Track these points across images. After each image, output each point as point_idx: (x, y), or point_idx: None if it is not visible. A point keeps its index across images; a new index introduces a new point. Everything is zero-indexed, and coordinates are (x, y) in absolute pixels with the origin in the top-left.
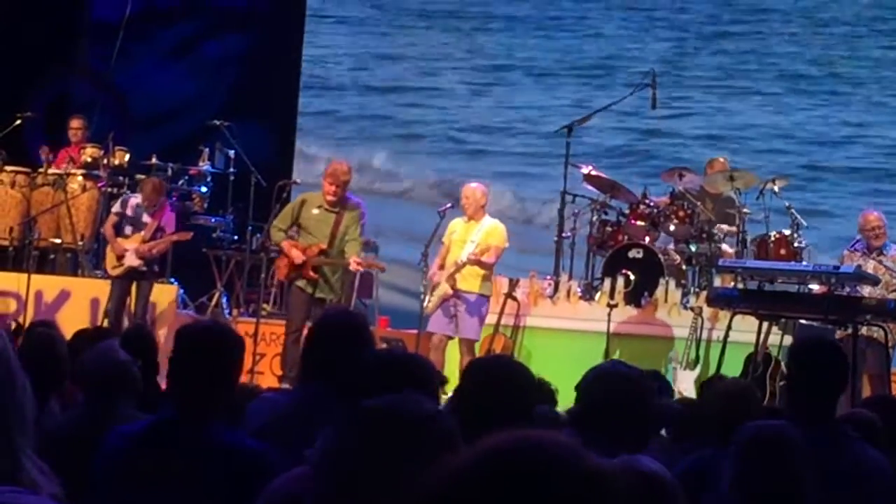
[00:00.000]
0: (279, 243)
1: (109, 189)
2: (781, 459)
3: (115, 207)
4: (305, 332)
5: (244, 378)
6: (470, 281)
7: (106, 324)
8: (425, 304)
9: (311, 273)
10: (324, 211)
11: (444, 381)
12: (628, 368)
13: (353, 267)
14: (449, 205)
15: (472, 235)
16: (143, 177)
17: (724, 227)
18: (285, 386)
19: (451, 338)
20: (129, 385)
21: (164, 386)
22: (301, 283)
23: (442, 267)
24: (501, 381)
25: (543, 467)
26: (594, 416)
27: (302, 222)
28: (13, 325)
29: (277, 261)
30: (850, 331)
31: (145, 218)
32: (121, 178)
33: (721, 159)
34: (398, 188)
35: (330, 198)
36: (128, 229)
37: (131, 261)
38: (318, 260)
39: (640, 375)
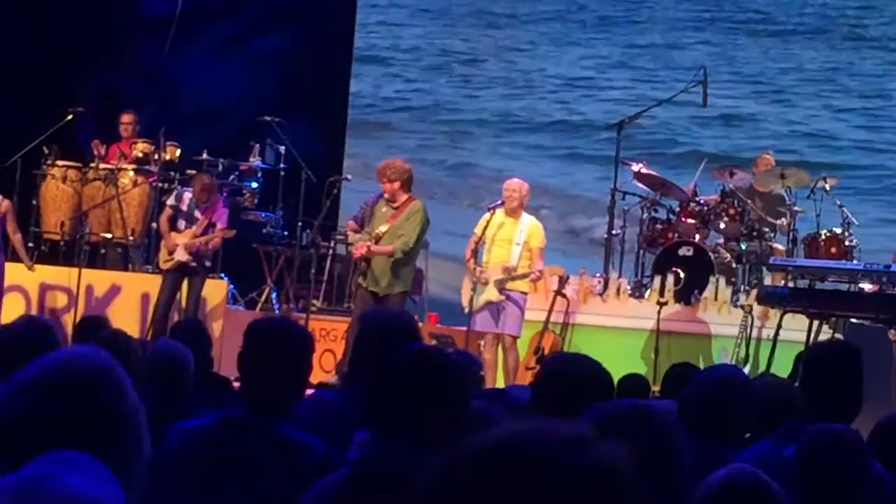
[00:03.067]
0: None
1: (160, 184)
2: (848, 463)
3: (170, 200)
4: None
5: None
6: (516, 282)
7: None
8: (468, 300)
9: (362, 265)
10: (389, 208)
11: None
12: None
13: (371, 248)
14: (500, 202)
15: (516, 236)
16: (193, 172)
17: (782, 220)
18: (334, 380)
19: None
20: (187, 379)
21: (217, 379)
22: (360, 278)
23: (474, 253)
24: (583, 377)
25: (541, 459)
26: None
27: (373, 222)
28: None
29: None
30: None
31: (197, 213)
32: (172, 173)
33: (767, 155)
34: (448, 184)
35: (387, 195)
36: (181, 224)
37: (181, 256)
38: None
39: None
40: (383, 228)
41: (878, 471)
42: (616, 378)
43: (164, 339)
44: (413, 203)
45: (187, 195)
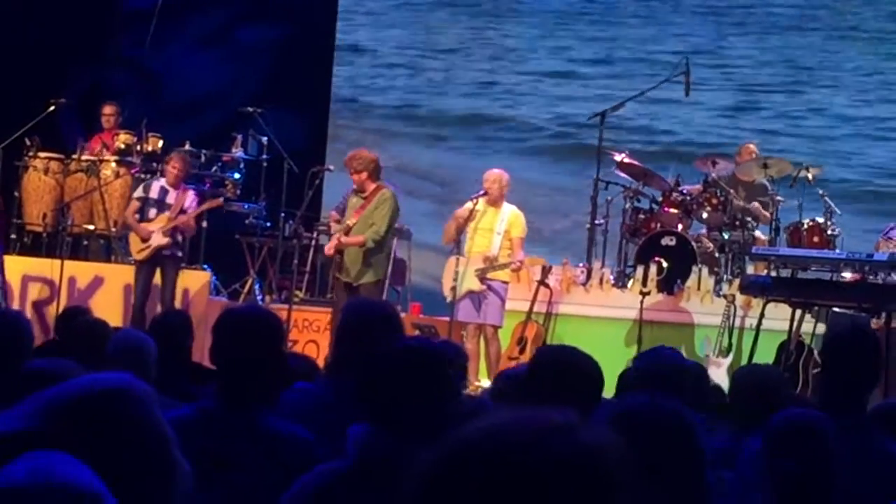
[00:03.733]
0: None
1: (143, 175)
2: (812, 448)
3: (137, 192)
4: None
5: None
6: (497, 272)
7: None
8: (449, 289)
9: (336, 257)
10: (359, 198)
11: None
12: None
13: (341, 240)
14: (482, 192)
15: (497, 226)
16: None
17: (756, 203)
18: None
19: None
20: (147, 370)
21: (199, 370)
22: (336, 271)
23: (456, 243)
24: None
25: (527, 447)
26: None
27: (345, 213)
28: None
29: None
30: (883, 319)
31: (169, 199)
32: (154, 164)
33: (751, 146)
34: (431, 175)
35: (356, 186)
36: (152, 212)
37: (158, 240)
38: (337, 244)
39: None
40: (353, 220)
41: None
42: (604, 369)
43: (125, 330)
44: (381, 192)
45: (156, 184)
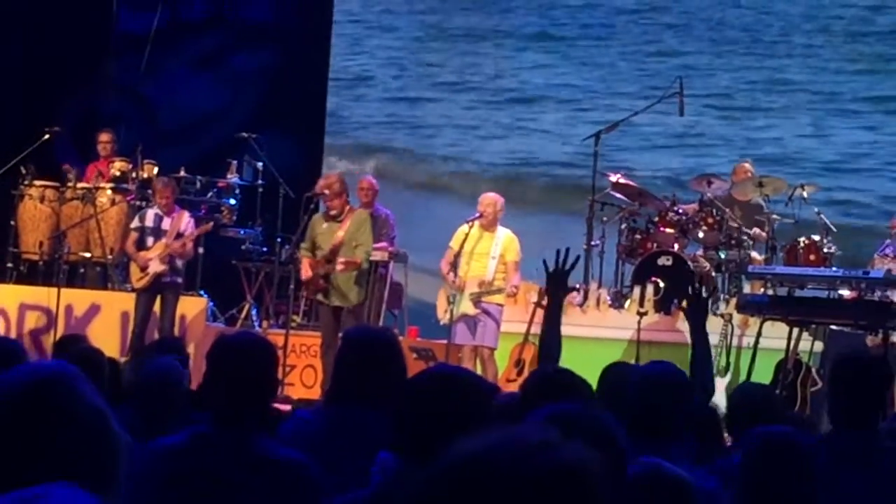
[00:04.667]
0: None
1: (138, 202)
2: (787, 466)
3: (134, 223)
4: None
5: None
6: (492, 296)
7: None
8: (444, 312)
9: (321, 283)
10: (330, 223)
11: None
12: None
13: (338, 268)
14: (476, 215)
15: (492, 250)
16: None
17: (757, 230)
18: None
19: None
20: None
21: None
22: (319, 296)
23: (451, 266)
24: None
25: (507, 466)
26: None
27: (315, 240)
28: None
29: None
30: (881, 336)
31: (165, 225)
32: (149, 191)
33: (746, 165)
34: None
35: (332, 212)
36: (149, 241)
37: (156, 267)
38: (322, 268)
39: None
40: (333, 244)
41: None
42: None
43: (158, 360)
44: (356, 212)
45: (150, 212)
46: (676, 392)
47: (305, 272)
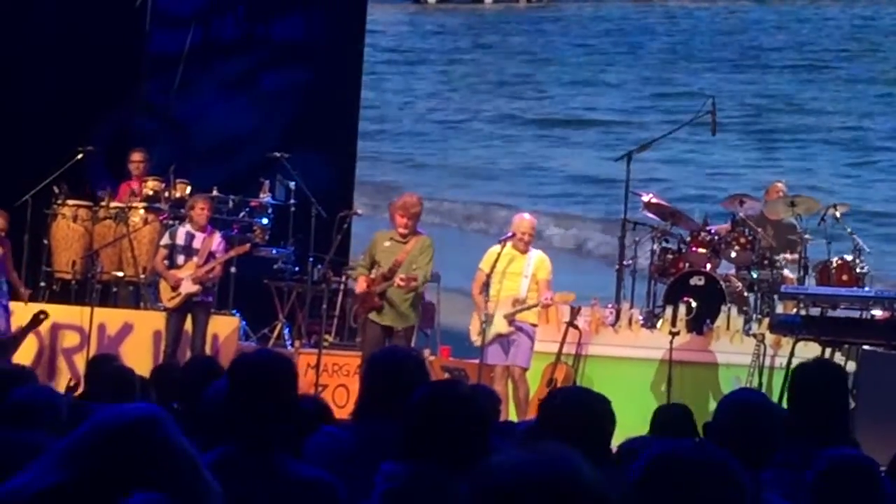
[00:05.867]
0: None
1: (171, 222)
2: (859, 489)
3: (164, 240)
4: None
5: None
6: (526, 314)
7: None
8: (477, 335)
9: (376, 300)
10: (395, 242)
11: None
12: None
13: (395, 283)
14: (510, 234)
15: (524, 269)
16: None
17: (788, 255)
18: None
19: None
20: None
21: None
22: (372, 314)
23: (484, 286)
24: (582, 410)
25: (527, 488)
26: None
27: (376, 257)
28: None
29: (353, 298)
30: None
31: (196, 244)
32: (182, 210)
33: (779, 184)
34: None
35: (402, 230)
36: (180, 259)
37: (188, 288)
38: (379, 285)
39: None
40: (394, 264)
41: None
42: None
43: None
44: (423, 238)
45: (182, 230)
46: (776, 421)
47: (360, 286)
